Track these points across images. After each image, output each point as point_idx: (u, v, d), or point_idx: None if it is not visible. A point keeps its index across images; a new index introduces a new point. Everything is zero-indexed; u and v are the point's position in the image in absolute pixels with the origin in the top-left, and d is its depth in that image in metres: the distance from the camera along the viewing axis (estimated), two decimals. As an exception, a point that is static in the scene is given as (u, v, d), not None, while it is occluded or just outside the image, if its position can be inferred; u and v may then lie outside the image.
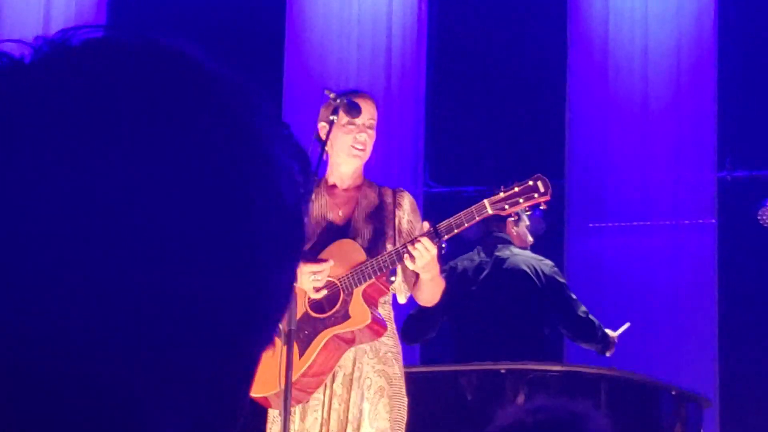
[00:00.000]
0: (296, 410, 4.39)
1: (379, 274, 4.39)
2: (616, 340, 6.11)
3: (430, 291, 4.51)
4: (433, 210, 7.86)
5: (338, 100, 4.39)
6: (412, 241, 4.29)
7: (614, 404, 5.45)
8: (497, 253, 6.22)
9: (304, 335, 4.42)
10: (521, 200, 4.35)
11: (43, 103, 0.74)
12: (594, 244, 7.54)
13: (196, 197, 0.75)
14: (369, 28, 8.13)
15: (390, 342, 4.52)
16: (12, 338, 0.73)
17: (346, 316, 4.42)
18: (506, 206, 4.35)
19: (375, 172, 4.80)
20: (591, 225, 7.61)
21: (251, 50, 8.27)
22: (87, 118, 0.74)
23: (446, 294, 6.17)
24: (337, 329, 4.41)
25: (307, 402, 4.41)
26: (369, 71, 8.02)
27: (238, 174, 0.77)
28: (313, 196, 4.54)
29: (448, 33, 8.31)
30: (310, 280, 4.34)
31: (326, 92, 4.42)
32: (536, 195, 4.36)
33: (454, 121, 8.20)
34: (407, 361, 4.95)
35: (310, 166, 0.84)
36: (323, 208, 4.56)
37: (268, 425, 4.46)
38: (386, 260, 4.37)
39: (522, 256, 6.23)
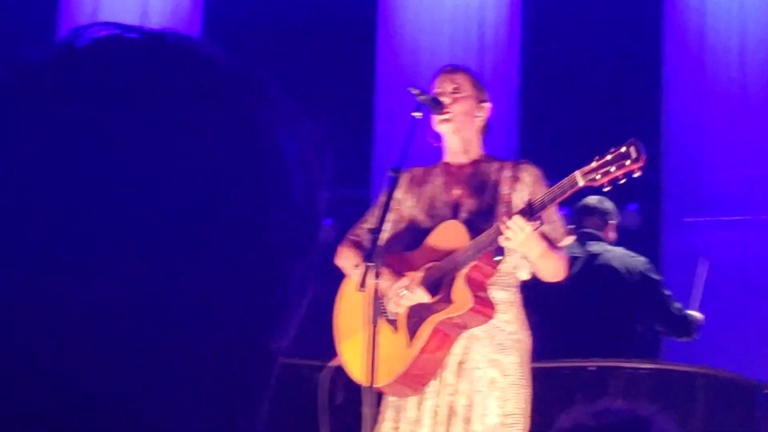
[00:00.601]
0: (412, 398, 4.33)
1: (479, 255, 4.23)
2: (702, 321, 6.03)
3: (544, 268, 4.31)
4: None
5: (422, 97, 4.36)
6: (505, 220, 4.11)
7: (708, 402, 5.36)
8: (589, 249, 6.15)
9: (412, 323, 4.33)
10: (613, 169, 3.97)
11: (49, 103, 0.75)
12: (690, 238, 7.42)
13: (200, 191, 0.75)
14: (461, 22, 8.10)
15: (510, 328, 4.34)
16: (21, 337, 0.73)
17: (448, 301, 4.28)
18: (598, 176, 4.02)
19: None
20: (688, 219, 7.48)
21: (343, 46, 8.29)
22: (91, 118, 0.74)
23: (535, 290, 6.15)
24: (442, 315, 4.27)
25: (422, 392, 4.32)
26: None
27: (244, 167, 0.77)
28: (428, 179, 4.48)
29: (541, 27, 8.24)
30: (397, 294, 4.29)
31: (410, 89, 4.38)
32: (628, 162, 3.96)
33: (548, 115, 8.13)
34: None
35: (327, 157, 0.84)
36: (437, 188, 4.47)
37: (381, 409, 4.39)
38: (485, 241, 4.21)
39: (614, 252, 6.15)
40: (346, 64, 8.32)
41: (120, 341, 0.73)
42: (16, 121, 0.75)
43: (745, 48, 7.49)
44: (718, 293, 7.18)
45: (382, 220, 4.13)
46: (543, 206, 4.09)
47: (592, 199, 6.36)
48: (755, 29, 7.50)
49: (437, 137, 4.50)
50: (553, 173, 8.00)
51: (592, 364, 5.29)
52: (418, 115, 4.34)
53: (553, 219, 4.37)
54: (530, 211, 4.09)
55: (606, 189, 4.04)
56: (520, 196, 4.34)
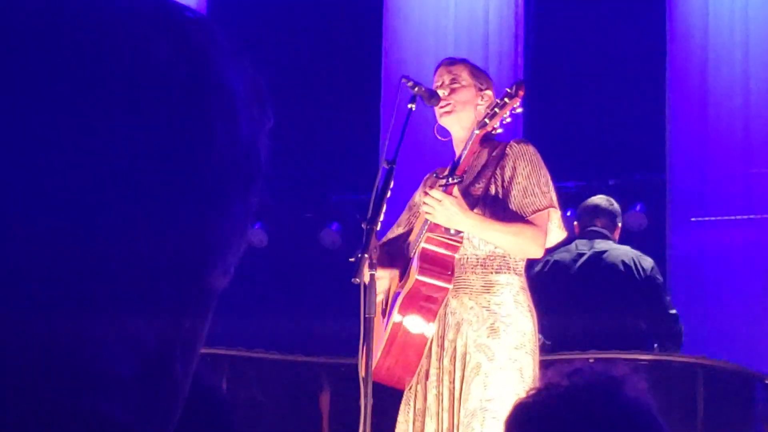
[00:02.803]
0: (419, 387, 4.26)
1: (426, 229, 4.19)
2: None
3: (498, 244, 4.22)
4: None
5: (416, 89, 4.35)
6: (424, 194, 4.14)
7: (708, 392, 5.36)
8: (596, 247, 6.18)
9: (384, 308, 4.30)
10: (497, 110, 4.20)
11: None
12: (696, 238, 7.43)
13: (147, 120, 0.74)
14: (465, 24, 8.14)
15: (501, 310, 4.19)
16: None
17: (408, 278, 4.24)
18: (487, 121, 4.19)
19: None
20: (693, 219, 7.49)
21: (349, 47, 8.33)
22: (33, 56, 0.72)
23: (543, 286, 6.16)
24: (403, 292, 4.20)
25: (426, 380, 4.24)
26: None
27: (193, 98, 0.76)
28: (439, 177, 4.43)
29: (545, 28, 8.27)
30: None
31: (403, 81, 4.38)
32: (507, 99, 4.19)
33: (553, 117, 8.15)
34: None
35: (268, 101, 0.83)
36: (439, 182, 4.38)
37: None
38: (424, 217, 4.21)
39: (622, 250, 6.18)
40: (352, 68, 8.37)
41: (56, 263, 0.71)
42: None
43: (747, 46, 7.50)
44: (723, 291, 7.19)
45: (376, 212, 4.05)
46: (455, 165, 4.21)
47: (601, 200, 6.41)
48: (758, 27, 7.51)
49: (444, 132, 4.46)
50: (559, 171, 8.04)
51: (591, 355, 5.29)
52: (412, 106, 4.32)
53: (530, 192, 4.29)
54: (450, 172, 4.16)
55: (497, 132, 4.23)
56: (506, 169, 4.30)
